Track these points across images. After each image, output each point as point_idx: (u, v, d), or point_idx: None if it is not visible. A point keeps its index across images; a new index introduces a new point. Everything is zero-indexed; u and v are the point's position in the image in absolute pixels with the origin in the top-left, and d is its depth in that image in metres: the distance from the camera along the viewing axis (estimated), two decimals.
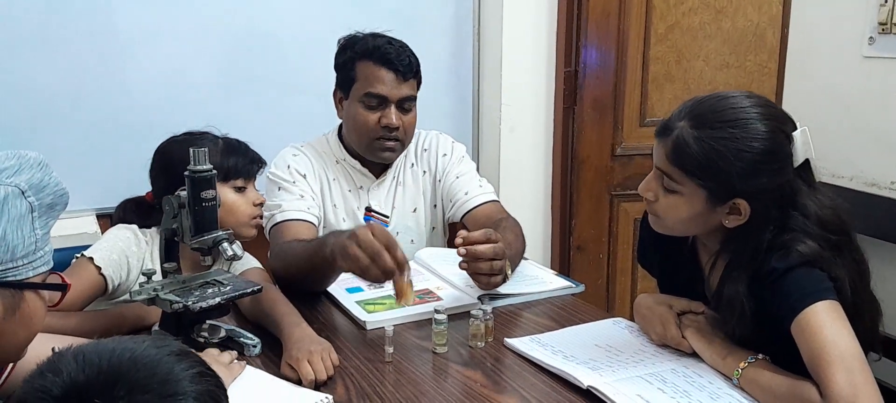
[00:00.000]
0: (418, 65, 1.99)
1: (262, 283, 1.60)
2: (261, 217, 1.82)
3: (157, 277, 1.52)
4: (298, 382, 1.38)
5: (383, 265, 1.48)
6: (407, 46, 1.98)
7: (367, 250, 1.49)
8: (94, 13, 2.25)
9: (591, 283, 2.81)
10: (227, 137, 1.81)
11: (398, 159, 2.08)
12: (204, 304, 1.44)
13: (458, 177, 2.08)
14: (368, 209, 2.06)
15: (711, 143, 1.32)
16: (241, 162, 1.76)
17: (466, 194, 2.05)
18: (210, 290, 1.51)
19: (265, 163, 1.85)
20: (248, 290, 1.54)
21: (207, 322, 1.53)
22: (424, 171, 2.10)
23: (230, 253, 1.49)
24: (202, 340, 1.51)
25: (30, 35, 2.19)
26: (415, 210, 2.09)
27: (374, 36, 1.98)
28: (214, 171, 1.49)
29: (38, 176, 1.01)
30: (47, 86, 2.22)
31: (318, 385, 1.39)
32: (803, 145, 1.33)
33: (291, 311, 1.59)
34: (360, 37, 1.99)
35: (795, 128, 1.34)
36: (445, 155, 2.10)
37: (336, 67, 2.02)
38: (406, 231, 2.09)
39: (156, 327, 1.56)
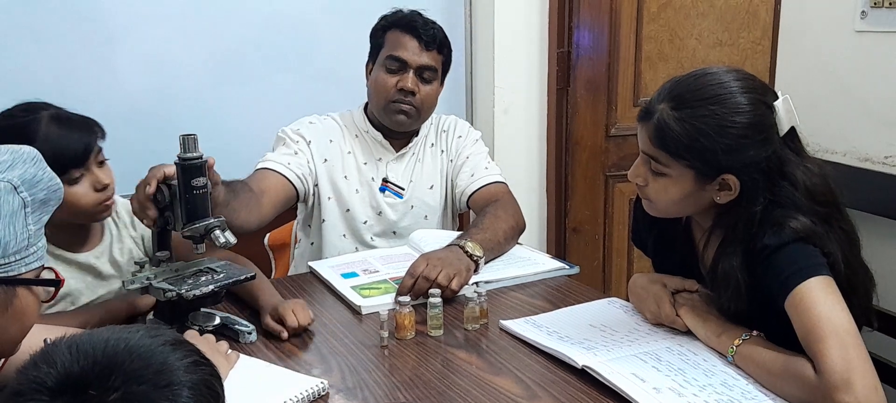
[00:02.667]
0: (445, 41, 2.06)
1: (255, 270, 1.60)
2: (109, 198, 1.60)
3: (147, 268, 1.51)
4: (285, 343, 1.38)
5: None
6: (437, 24, 2.05)
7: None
8: (83, 1, 2.23)
9: (587, 264, 2.82)
10: (59, 114, 1.57)
11: (419, 138, 2.14)
12: (197, 292, 1.44)
13: (468, 158, 2.14)
14: (385, 180, 2.11)
15: (693, 122, 1.32)
16: (70, 151, 1.53)
17: (472, 176, 2.12)
18: (203, 278, 1.51)
19: (101, 137, 1.60)
20: (242, 277, 1.54)
21: (202, 309, 1.53)
22: (442, 151, 2.16)
23: (222, 240, 1.49)
24: (196, 328, 1.50)
25: (13, 22, 2.18)
26: (432, 187, 2.14)
27: (409, 10, 2.06)
28: (205, 159, 1.48)
29: (32, 171, 0.99)
30: (32, 74, 2.21)
31: (299, 333, 1.49)
32: (786, 113, 1.33)
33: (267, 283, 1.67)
34: (395, 10, 2.07)
35: (776, 98, 1.34)
36: (461, 137, 2.17)
37: (370, 37, 2.09)
38: (421, 205, 2.13)
39: (150, 316, 1.55)
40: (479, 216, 2.00)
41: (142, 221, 1.53)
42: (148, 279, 1.48)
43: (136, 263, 1.52)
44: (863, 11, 1.82)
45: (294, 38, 2.48)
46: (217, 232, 1.50)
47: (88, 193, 1.56)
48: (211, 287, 1.47)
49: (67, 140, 1.53)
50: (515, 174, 2.80)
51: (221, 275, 1.52)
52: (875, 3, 1.78)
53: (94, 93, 2.29)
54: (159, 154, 2.37)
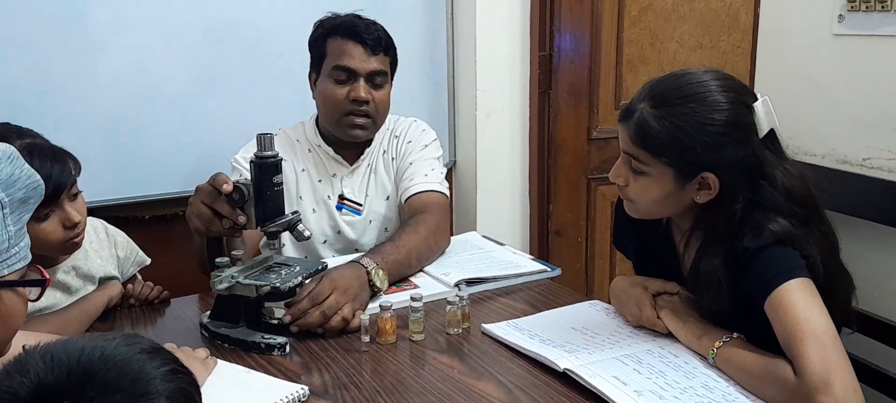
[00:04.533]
0: (390, 41, 1.98)
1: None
2: (78, 235, 1.55)
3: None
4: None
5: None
6: (378, 24, 1.97)
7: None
8: (62, 4, 2.21)
9: (570, 267, 2.82)
10: (32, 146, 1.48)
11: (372, 147, 2.06)
12: (291, 283, 1.47)
13: (411, 164, 2.03)
14: (342, 197, 2.04)
15: (672, 120, 1.33)
16: (46, 183, 1.41)
17: (411, 181, 2.00)
18: (284, 271, 1.53)
19: (76, 172, 1.55)
20: (319, 267, 1.58)
21: (266, 304, 1.55)
22: (393, 158, 2.08)
23: (307, 234, 1.58)
24: (276, 322, 1.54)
25: None
26: (387, 198, 2.07)
27: (346, 14, 1.98)
28: (282, 157, 1.53)
29: (8, 170, 0.97)
30: (12, 81, 2.18)
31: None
32: (766, 115, 1.34)
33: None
34: (332, 15, 2.00)
35: (756, 100, 1.35)
36: (410, 142, 2.07)
37: (309, 47, 2.01)
38: (379, 219, 2.07)
39: (206, 318, 1.56)
40: (399, 228, 1.90)
41: (201, 227, 1.54)
42: (233, 278, 1.48)
43: (217, 263, 1.51)
44: (840, 15, 1.83)
45: (279, 44, 2.46)
46: (300, 226, 1.56)
47: (57, 230, 1.51)
48: (299, 278, 1.50)
49: (43, 170, 1.39)
50: (498, 177, 2.81)
51: (299, 268, 1.54)
52: (852, 7, 1.79)
53: (75, 98, 2.26)
54: (140, 158, 2.37)
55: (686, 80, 1.37)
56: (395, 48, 2.01)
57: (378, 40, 1.94)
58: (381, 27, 1.98)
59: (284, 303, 1.58)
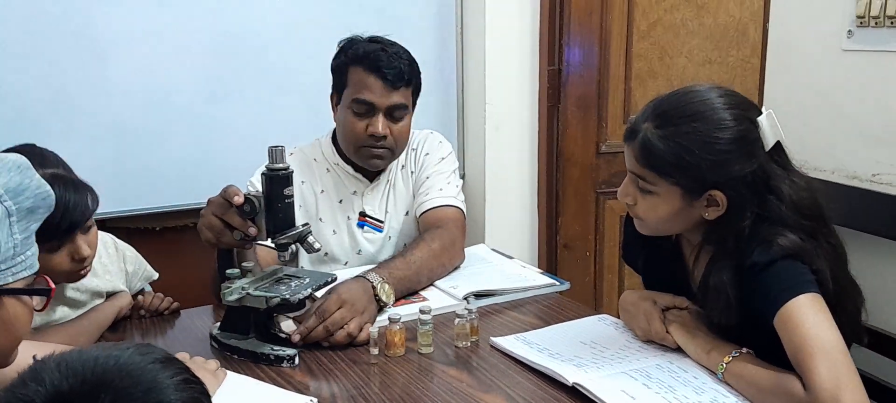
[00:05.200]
0: (412, 72, 1.94)
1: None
2: (85, 268, 1.54)
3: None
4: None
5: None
6: (403, 53, 1.93)
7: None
8: (73, 15, 2.23)
9: (579, 281, 2.82)
10: (57, 177, 1.44)
11: (392, 162, 2.05)
12: (301, 295, 1.47)
13: (427, 178, 2.01)
14: (362, 214, 2.02)
15: (677, 140, 1.33)
16: (61, 218, 1.41)
17: (427, 196, 1.99)
18: (294, 283, 1.53)
19: (94, 207, 1.53)
20: (329, 280, 1.58)
21: (275, 316, 1.55)
22: (412, 171, 2.07)
23: (317, 246, 1.58)
24: (285, 335, 1.53)
25: (6, 38, 2.17)
26: (407, 213, 2.05)
27: (371, 41, 1.93)
28: (292, 170, 1.53)
29: (17, 179, 0.98)
30: (25, 90, 2.20)
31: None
32: (771, 128, 1.34)
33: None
34: (357, 40, 1.95)
35: (760, 113, 1.35)
36: (428, 154, 2.06)
37: (332, 70, 1.98)
38: (398, 235, 2.05)
39: (216, 329, 1.56)
40: (413, 242, 1.89)
41: (212, 239, 1.55)
42: (244, 289, 1.49)
43: (227, 275, 1.52)
44: (849, 31, 1.83)
45: (289, 56, 2.48)
46: (311, 238, 1.56)
47: (64, 262, 1.49)
48: (309, 290, 1.51)
49: (62, 201, 1.40)
50: (506, 190, 2.81)
51: (308, 280, 1.55)
52: (861, 23, 1.80)
53: (85, 109, 2.28)
54: (151, 170, 2.38)
55: (689, 99, 1.37)
56: (419, 75, 1.97)
57: (400, 74, 1.89)
58: (405, 57, 1.93)
59: (292, 317, 1.59)
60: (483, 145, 2.76)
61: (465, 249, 2.01)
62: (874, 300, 1.46)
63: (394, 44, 1.94)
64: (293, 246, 1.57)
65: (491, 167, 2.77)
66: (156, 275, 1.85)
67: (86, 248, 1.51)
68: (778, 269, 1.30)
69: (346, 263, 2.02)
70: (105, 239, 1.76)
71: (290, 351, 1.48)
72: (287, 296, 1.46)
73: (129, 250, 1.81)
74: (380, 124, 1.89)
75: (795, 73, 1.99)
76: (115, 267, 1.74)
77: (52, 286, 1.05)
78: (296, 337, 1.53)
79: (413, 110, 2.00)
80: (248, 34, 2.44)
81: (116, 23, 2.28)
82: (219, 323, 1.58)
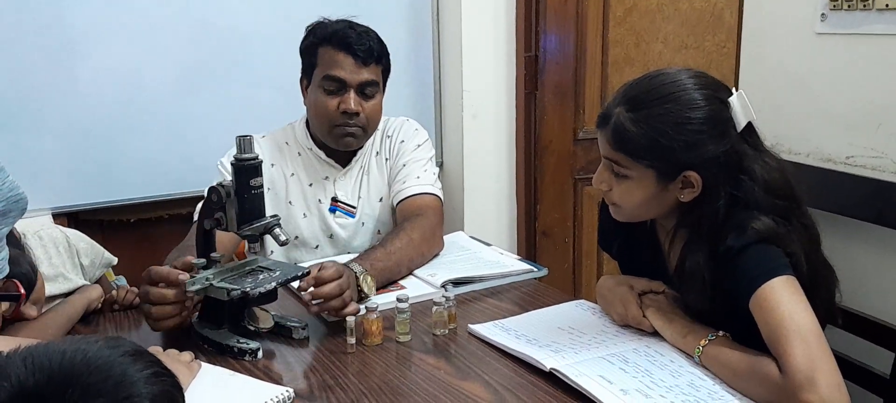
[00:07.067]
0: (382, 50, 1.95)
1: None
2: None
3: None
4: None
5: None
6: (372, 32, 1.94)
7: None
8: (41, 7, 2.19)
9: (558, 268, 2.82)
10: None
11: (365, 147, 2.04)
12: (263, 289, 1.43)
13: (404, 165, 2.02)
14: (335, 200, 2.02)
15: (649, 122, 1.34)
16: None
17: (404, 184, 2.00)
18: (261, 276, 1.50)
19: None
20: (299, 274, 1.53)
21: (253, 308, 1.53)
22: (386, 158, 2.07)
23: (282, 238, 1.52)
24: (253, 328, 1.51)
25: None
26: (381, 199, 2.06)
27: (338, 21, 1.95)
28: (261, 159, 1.50)
29: None
30: None
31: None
32: (742, 108, 1.35)
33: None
34: (324, 22, 1.96)
35: (731, 94, 1.36)
36: (403, 142, 2.06)
37: (300, 53, 1.98)
38: (373, 221, 2.05)
39: (195, 318, 1.54)
40: (392, 232, 1.88)
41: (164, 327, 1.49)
42: (207, 279, 1.46)
43: (193, 264, 1.49)
44: (822, 14, 1.84)
45: (264, 48, 2.46)
46: (277, 229, 1.52)
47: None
48: (273, 284, 1.46)
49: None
50: (484, 178, 2.81)
51: (278, 273, 1.51)
52: (834, 6, 1.80)
53: (56, 102, 2.25)
54: (123, 161, 2.35)
55: (660, 81, 1.37)
56: (388, 55, 1.98)
57: (369, 51, 1.90)
58: (374, 36, 1.94)
59: (298, 288, 1.57)
60: (461, 133, 2.75)
61: (444, 237, 2.00)
62: (849, 281, 1.47)
63: (358, 23, 1.95)
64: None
65: (469, 155, 2.77)
66: (115, 260, 1.84)
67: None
68: (752, 253, 1.30)
69: (317, 247, 2.02)
70: (55, 237, 1.72)
71: (254, 345, 1.46)
72: (248, 290, 1.42)
73: (81, 242, 1.78)
74: (352, 101, 1.90)
75: (770, 58, 2.00)
76: (68, 265, 1.71)
77: (22, 291, 1.03)
78: (307, 296, 1.52)
79: (383, 91, 2.00)
80: (221, 26, 2.42)
81: (87, 14, 2.24)
82: (197, 314, 1.57)
